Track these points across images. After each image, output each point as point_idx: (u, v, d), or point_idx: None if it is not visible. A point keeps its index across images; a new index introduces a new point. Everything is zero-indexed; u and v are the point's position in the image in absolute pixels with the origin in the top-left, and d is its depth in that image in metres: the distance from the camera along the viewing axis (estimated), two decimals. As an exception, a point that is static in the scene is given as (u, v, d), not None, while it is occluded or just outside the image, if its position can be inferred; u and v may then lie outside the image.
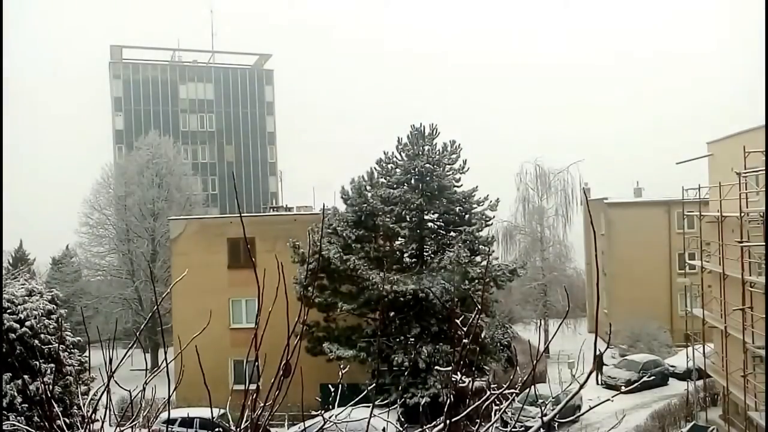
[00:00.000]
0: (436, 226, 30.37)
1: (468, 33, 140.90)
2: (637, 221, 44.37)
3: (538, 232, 46.76)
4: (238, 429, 3.65)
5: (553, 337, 4.42)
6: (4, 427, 13.73)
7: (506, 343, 28.85)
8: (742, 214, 23.20)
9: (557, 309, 44.55)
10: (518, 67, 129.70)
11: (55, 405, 4.27)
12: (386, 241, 29.33)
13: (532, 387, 3.78)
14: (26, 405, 17.47)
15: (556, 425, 3.36)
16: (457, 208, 29.94)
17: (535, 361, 3.40)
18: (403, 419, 22.48)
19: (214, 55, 76.92)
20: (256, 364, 3.51)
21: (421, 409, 24.72)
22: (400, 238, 29.25)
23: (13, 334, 18.22)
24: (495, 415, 3.64)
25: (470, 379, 3.74)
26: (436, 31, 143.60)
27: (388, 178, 30.22)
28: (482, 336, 25.80)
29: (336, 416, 4.46)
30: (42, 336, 19.10)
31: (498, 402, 3.65)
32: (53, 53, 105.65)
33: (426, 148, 29.77)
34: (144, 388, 4.13)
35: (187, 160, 62.75)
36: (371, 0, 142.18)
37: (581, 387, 3.29)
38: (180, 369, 4.15)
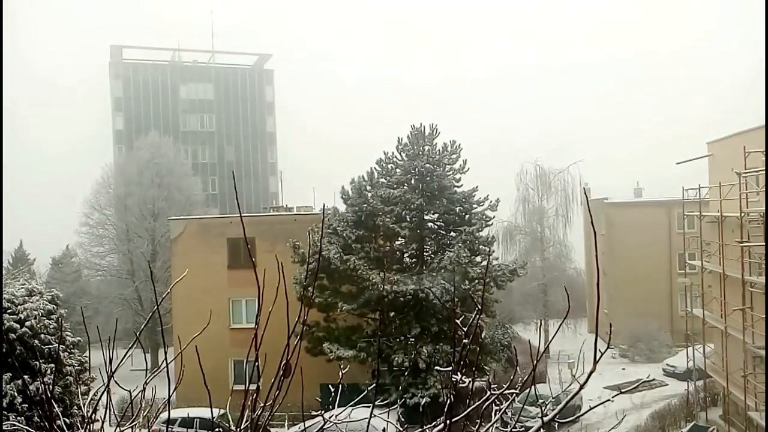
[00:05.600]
0: (436, 226, 30.37)
1: (468, 33, 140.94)
2: (637, 221, 44.40)
3: (539, 233, 46.79)
4: (238, 429, 3.64)
5: (553, 338, 4.41)
6: (4, 427, 13.73)
7: (506, 343, 28.86)
8: (742, 214, 23.21)
9: (557, 309, 44.58)
10: (518, 67, 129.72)
11: (55, 405, 4.27)
12: (386, 241, 29.34)
13: (532, 387, 3.78)
14: (26, 405, 17.45)
15: (556, 425, 3.36)
16: (458, 208, 29.94)
17: (535, 362, 3.40)
18: (403, 419, 22.48)
19: (214, 55, 76.84)
20: (256, 364, 3.50)
21: (421, 409, 24.72)
22: (400, 238, 29.26)
23: (13, 334, 18.20)
24: (495, 415, 3.64)
25: (470, 379, 3.74)
26: (436, 30, 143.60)
27: (388, 178, 30.22)
28: (482, 336, 25.80)
29: (336, 416, 4.46)
30: (42, 336, 19.08)
31: (498, 402, 3.65)
32: (53, 53, 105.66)
33: (426, 148, 29.78)
34: (144, 388, 4.12)
35: (187, 160, 62.70)
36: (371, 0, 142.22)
37: (581, 387, 3.28)
38: (180, 369, 4.15)
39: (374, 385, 4.00)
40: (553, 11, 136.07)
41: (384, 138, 33.33)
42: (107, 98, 73.56)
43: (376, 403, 3.89)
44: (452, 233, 29.37)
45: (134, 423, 4.18)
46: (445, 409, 3.46)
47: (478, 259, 29.12)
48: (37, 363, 17.47)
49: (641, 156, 77.33)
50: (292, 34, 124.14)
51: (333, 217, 29.03)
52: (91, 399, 4.55)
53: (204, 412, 18.58)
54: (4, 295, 19.18)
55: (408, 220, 29.03)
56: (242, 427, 3.64)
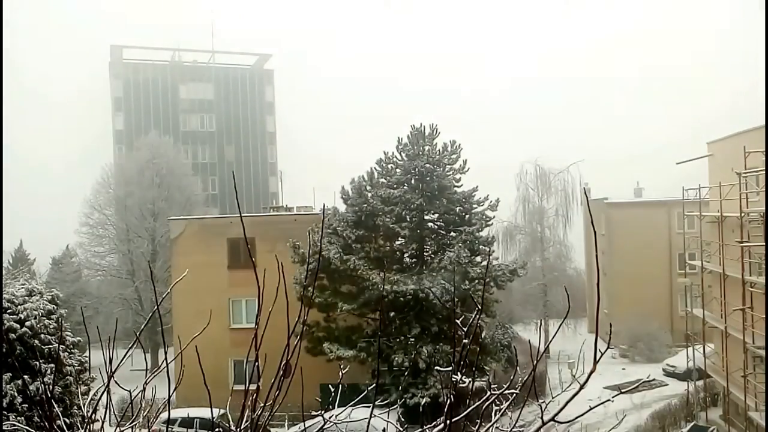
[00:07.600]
0: (436, 227, 30.36)
1: (469, 32, 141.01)
2: (638, 221, 44.39)
3: (539, 233, 46.77)
4: (238, 429, 3.64)
5: (553, 338, 4.41)
6: (4, 427, 13.72)
7: (506, 343, 28.85)
8: (743, 214, 23.22)
9: (557, 309, 44.58)
10: (518, 67, 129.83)
11: (55, 405, 4.27)
12: (386, 241, 29.33)
13: (532, 387, 3.77)
14: (26, 405, 17.45)
15: (556, 426, 3.36)
16: (458, 209, 29.93)
17: (535, 362, 3.40)
18: (403, 419, 22.49)
19: (214, 55, 76.79)
20: (256, 364, 3.50)
21: (421, 409, 24.71)
22: (400, 238, 29.24)
23: (13, 334, 18.20)
24: (495, 415, 3.64)
25: (470, 379, 3.74)
26: (436, 31, 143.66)
27: (388, 178, 30.21)
28: (482, 336, 25.80)
29: (336, 416, 4.45)
30: (42, 336, 19.07)
31: (498, 402, 3.65)
32: (53, 53, 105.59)
33: (426, 148, 29.77)
34: (144, 388, 4.12)
35: (187, 160, 62.67)
36: (372, 0, 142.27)
37: (581, 387, 3.28)
38: (180, 369, 4.15)
39: (374, 385, 4.00)
40: (554, 11, 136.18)
41: (384, 138, 33.30)
42: (107, 98, 73.57)
43: (376, 403, 3.89)
44: (452, 233, 29.36)
45: (134, 423, 4.18)
46: (445, 409, 3.46)
47: (478, 259, 29.12)
48: (37, 363, 17.46)
49: (642, 156, 77.33)
50: (292, 34, 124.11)
51: (333, 217, 29.02)
52: (91, 399, 4.55)
53: (204, 412, 18.59)
54: (4, 295, 19.18)
55: (408, 220, 29.02)
56: (242, 427, 3.63)
